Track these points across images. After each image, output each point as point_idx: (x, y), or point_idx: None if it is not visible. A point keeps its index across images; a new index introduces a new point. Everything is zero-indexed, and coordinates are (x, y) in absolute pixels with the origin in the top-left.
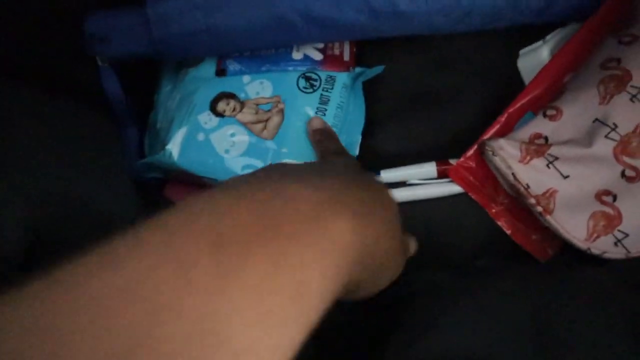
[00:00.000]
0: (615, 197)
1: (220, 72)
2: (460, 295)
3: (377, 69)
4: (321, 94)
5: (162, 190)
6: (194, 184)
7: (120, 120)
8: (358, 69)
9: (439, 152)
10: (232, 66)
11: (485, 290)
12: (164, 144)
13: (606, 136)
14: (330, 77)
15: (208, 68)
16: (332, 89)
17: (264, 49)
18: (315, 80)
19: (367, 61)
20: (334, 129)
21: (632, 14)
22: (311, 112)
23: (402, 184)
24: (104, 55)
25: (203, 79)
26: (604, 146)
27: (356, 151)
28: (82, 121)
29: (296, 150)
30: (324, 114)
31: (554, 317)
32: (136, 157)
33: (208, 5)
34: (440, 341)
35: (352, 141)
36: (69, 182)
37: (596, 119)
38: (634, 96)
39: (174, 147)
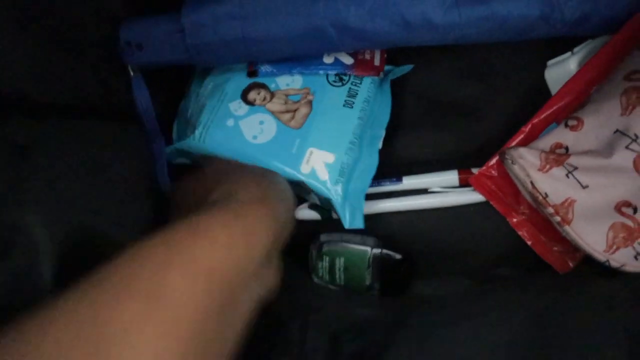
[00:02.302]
0: (635, 209)
1: (252, 74)
2: (462, 307)
3: (406, 68)
4: (350, 88)
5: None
6: None
7: (149, 132)
8: (387, 67)
9: (462, 161)
10: (264, 67)
11: (489, 300)
12: (194, 128)
13: (627, 147)
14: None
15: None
16: (360, 83)
17: (296, 57)
18: (345, 74)
19: (396, 64)
20: (360, 122)
21: None
22: (339, 105)
23: (424, 191)
24: (138, 63)
25: (235, 69)
26: (624, 157)
27: (379, 145)
28: (111, 140)
29: (321, 140)
30: (352, 107)
31: (553, 324)
32: (166, 169)
33: (244, 15)
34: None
35: (376, 135)
36: (92, 214)
37: (617, 130)
38: None
39: (203, 131)
